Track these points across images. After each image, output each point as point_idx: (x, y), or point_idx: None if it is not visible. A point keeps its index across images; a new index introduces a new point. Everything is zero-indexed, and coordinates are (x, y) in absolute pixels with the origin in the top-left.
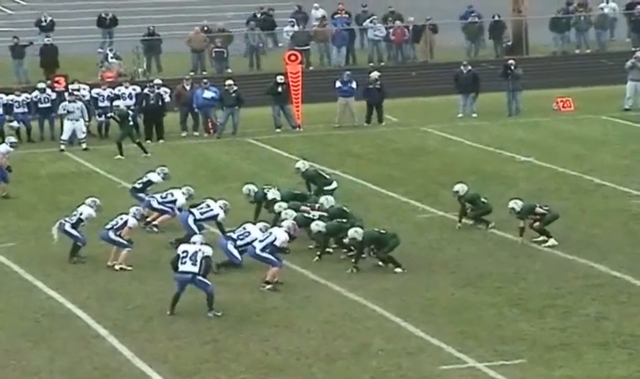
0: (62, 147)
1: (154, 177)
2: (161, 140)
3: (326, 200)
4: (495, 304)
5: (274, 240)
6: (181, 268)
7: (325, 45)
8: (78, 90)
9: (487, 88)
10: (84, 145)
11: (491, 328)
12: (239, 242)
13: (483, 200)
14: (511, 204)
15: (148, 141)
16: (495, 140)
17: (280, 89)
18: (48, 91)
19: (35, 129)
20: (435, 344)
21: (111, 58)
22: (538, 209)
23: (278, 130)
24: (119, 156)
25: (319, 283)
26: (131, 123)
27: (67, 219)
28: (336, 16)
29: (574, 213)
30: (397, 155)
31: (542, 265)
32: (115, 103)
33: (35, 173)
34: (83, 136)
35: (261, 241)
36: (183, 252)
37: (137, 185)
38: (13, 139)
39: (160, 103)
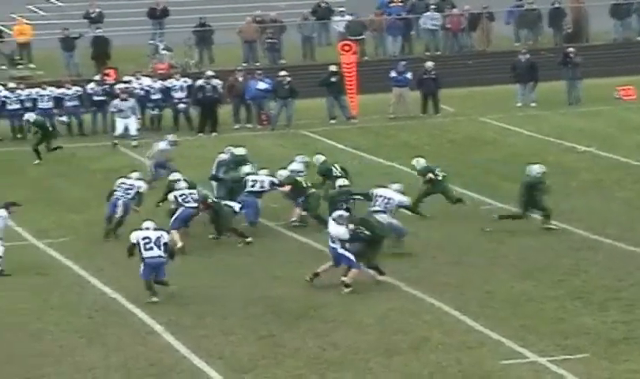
0: (116, 142)
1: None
2: (214, 133)
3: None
4: (557, 297)
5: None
6: (149, 253)
7: (380, 34)
8: (130, 82)
9: (546, 77)
10: (134, 143)
11: (553, 321)
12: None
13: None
14: (414, 161)
15: (201, 134)
16: (555, 130)
17: (333, 80)
18: (100, 84)
19: (88, 122)
20: (495, 338)
21: (162, 49)
22: (431, 175)
23: (332, 121)
24: (38, 161)
25: (376, 276)
26: (51, 129)
27: (122, 194)
28: (391, 5)
29: (637, 204)
30: (454, 146)
31: (604, 257)
32: (26, 116)
33: (87, 167)
34: (136, 133)
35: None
36: (145, 238)
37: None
38: (171, 137)
39: (216, 95)
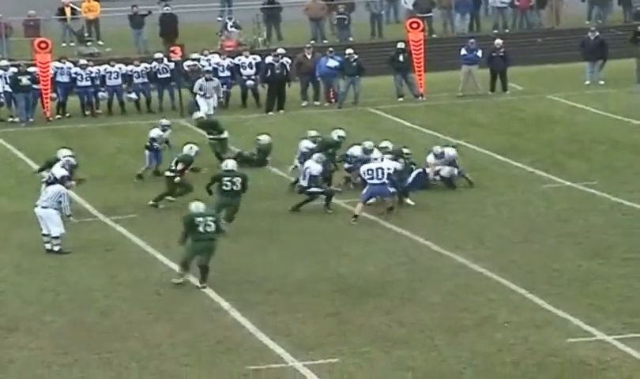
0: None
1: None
2: (281, 110)
3: None
4: (624, 275)
5: None
6: (372, 181)
7: (449, 12)
8: (199, 60)
9: (616, 55)
10: None
11: (620, 300)
12: None
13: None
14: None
15: (270, 112)
16: (624, 108)
17: (401, 58)
18: (166, 60)
19: (155, 99)
20: (562, 317)
21: (231, 26)
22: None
23: (400, 99)
24: None
25: (443, 254)
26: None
27: None
28: None
29: None
30: (522, 124)
31: None
32: None
33: None
34: (212, 112)
35: None
36: (369, 170)
37: None
38: (165, 121)
39: (285, 73)
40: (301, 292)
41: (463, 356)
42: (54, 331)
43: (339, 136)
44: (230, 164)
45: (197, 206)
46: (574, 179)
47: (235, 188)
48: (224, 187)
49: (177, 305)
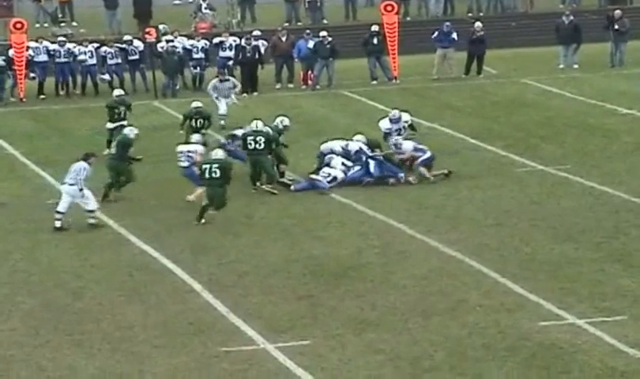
0: (222, 123)
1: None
2: (255, 93)
3: None
4: (596, 259)
5: None
6: None
7: None
8: (172, 41)
9: (590, 39)
10: (222, 122)
11: (592, 284)
12: None
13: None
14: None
15: (245, 95)
16: (598, 93)
17: (375, 40)
18: (136, 42)
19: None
20: (534, 300)
21: (205, 8)
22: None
23: (374, 82)
24: None
25: (416, 237)
26: None
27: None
28: None
29: None
30: (496, 107)
31: None
32: None
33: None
34: (224, 112)
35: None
36: None
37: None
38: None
39: (257, 56)
40: (274, 275)
41: (435, 339)
42: (26, 312)
43: (284, 126)
44: (259, 125)
45: (215, 153)
46: (547, 163)
47: (257, 147)
48: (249, 146)
49: (149, 286)
